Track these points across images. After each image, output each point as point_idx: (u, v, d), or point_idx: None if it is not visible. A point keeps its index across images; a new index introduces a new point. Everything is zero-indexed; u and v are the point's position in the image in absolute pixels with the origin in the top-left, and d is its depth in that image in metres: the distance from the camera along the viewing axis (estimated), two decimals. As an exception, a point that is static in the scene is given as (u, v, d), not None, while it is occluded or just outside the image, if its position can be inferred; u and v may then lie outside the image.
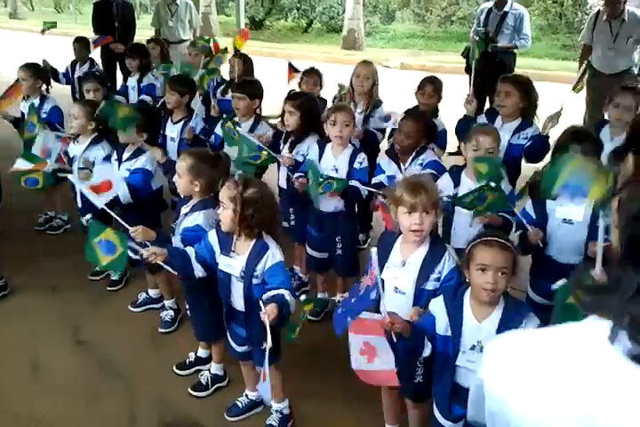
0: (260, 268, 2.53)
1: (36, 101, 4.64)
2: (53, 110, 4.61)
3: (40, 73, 4.79)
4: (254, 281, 2.54)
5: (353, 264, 3.64)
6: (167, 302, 3.81)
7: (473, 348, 2.17)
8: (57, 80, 5.85)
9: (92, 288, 4.13)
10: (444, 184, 3.09)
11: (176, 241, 2.96)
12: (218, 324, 3.01)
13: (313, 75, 4.85)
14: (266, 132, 4.09)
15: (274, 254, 2.53)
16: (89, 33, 7.07)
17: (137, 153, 3.59)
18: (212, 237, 2.68)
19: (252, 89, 4.18)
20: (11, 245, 4.03)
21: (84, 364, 3.41)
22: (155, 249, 2.59)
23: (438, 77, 4.43)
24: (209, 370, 3.22)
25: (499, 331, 2.12)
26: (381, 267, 2.47)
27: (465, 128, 3.83)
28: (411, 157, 3.46)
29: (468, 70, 6.78)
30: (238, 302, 2.67)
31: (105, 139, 3.94)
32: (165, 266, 2.66)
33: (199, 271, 2.70)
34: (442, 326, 2.23)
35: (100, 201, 2.98)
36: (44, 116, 4.49)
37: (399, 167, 3.47)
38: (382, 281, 2.46)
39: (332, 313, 3.66)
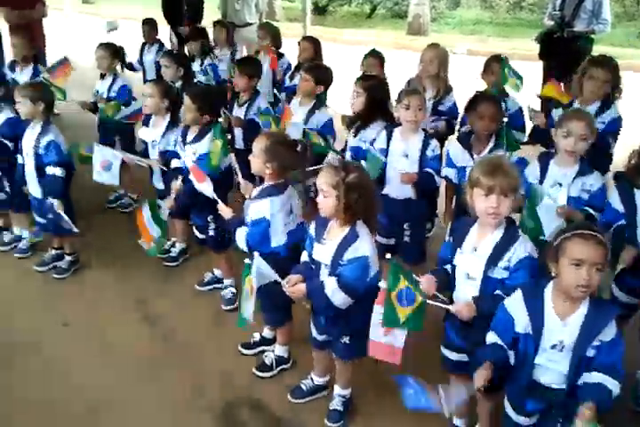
0: (346, 257, 2.46)
1: (109, 80, 4.73)
2: (123, 89, 4.69)
3: (117, 52, 4.89)
4: (338, 269, 2.49)
5: (420, 252, 3.57)
6: (227, 281, 3.85)
7: (554, 347, 2.08)
8: (131, 68, 5.94)
9: (159, 265, 4.21)
10: (530, 170, 2.98)
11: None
12: (287, 309, 3.05)
13: (374, 57, 4.78)
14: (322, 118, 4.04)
15: (359, 247, 2.45)
16: (158, 16, 7.14)
17: (201, 135, 3.57)
18: (311, 227, 2.65)
19: (319, 74, 4.13)
20: (82, 222, 4.14)
21: (150, 338, 3.49)
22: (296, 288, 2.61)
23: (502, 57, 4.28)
24: (273, 351, 3.23)
25: (583, 330, 2.03)
26: (455, 252, 2.45)
27: (541, 131, 3.73)
28: (489, 147, 3.32)
29: (541, 56, 6.55)
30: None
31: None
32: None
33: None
34: (522, 324, 2.13)
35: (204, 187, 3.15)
36: (112, 95, 4.57)
37: (472, 157, 3.32)
38: (454, 267, 2.42)
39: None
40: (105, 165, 3.88)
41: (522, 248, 2.31)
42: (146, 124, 4.12)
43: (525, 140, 5.62)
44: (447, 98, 4.14)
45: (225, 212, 3.07)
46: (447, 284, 2.49)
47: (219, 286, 3.92)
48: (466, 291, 2.41)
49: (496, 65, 4.12)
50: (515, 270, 2.30)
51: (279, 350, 3.21)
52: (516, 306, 2.15)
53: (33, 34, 6.35)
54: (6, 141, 4.05)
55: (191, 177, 3.29)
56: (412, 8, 14.89)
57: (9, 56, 7.29)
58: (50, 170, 3.75)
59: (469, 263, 2.40)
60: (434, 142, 3.37)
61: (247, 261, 2.53)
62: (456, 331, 2.52)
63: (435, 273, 2.50)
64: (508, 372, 2.17)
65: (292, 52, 5.59)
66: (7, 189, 4.19)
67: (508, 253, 2.31)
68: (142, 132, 4.04)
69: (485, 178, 2.28)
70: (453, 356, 2.58)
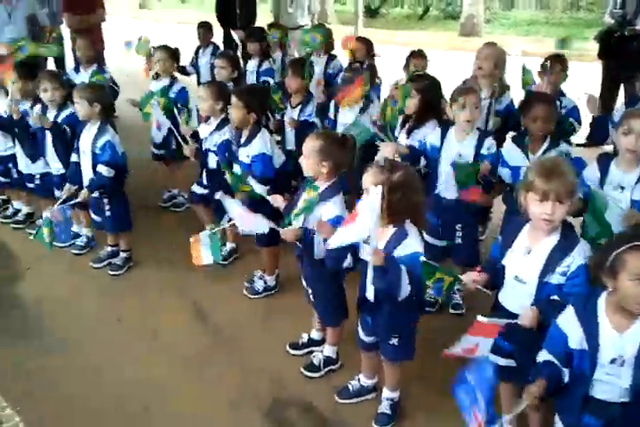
0: (396, 255, 2.41)
1: (166, 82, 4.82)
2: (182, 92, 4.77)
3: (175, 55, 4.98)
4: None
5: (473, 254, 3.49)
6: (268, 278, 3.88)
7: (613, 361, 1.97)
8: (184, 72, 6.04)
9: (210, 265, 4.25)
10: (589, 173, 2.88)
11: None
12: (342, 308, 3.04)
13: (419, 57, 4.72)
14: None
15: (409, 244, 2.41)
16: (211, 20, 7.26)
17: (251, 137, 3.59)
18: None
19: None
20: (135, 220, 4.24)
21: (201, 335, 3.53)
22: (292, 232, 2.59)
23: (563, 55, 4.17)
24: (322, 351, 3.22)
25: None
26: (504, 252, 2.38)
27: (601, 128, 3.60)
28: (543, 147, 3.22)
29: (601, 55, 6.35)
30: (370, 292, 2.62)
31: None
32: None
33: (348, 262, 2.67)
34: (576, 339, 2.03)
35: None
36: (172, 96, 4.65)
37: (527, 157, 3.22)
38: (503, 267, 2.36)
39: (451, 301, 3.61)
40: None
41: (582, 253, 2.22)
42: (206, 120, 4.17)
43: (583, 142, 5.51)
44: (504, 97, 4.04)
45: (277, 200, 3.03)
46: (494, 283, 2.43)
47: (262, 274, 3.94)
48: (515, 293, 2.35)
49: (555, 65, 4.01)
50: (573, 277, 2.21)
51: (328, 350, 3.19)
52: (568, 322, 2.06)
53: (93, 37, 6.54)
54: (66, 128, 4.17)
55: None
56: (466, 9, 14.73)
57: (70, 59, 7.62)
58: (99, 168, 3.84)
59: (521, 266, 2.33)
60: (489, 141, 3.30)
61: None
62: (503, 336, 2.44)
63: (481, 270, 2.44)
64: (560, 388, 2.09)
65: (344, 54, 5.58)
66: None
67: (567, 258, 2.22)
68: (200, 129, 4.10)
69: (541, 182, 2.19)
70: (502, 362, 2.51)
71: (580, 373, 2.04)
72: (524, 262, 2.31)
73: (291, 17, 8.27)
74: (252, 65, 5.75)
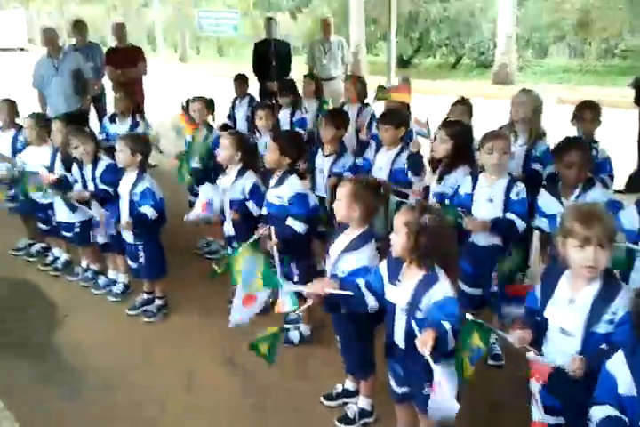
0: (425, 300, 2.36)
1: (204, 132, 4.94)
2: (217, 141, 4.86)
3: (211, 105, 5.13)
4: (418, 315, 2.38)
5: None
6: (304, 328, 3.86)
7: None
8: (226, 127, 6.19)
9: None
10: (625, 214, 2.81)
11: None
12: (370, 358, 2.96)
13: (461, 105, 4.75)
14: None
15: (443, 287, 2.35)
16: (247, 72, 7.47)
17: (283, 179, 3.62)
18: (383, 265, 2.58)
19: (394, 119, 4.16)
20: (170, 267, 4.28)
21: (234, 383, 3.49)
22: (321, 284, 2.55)
23: (596, 102, 4.15)
24: (356, 403, 3.13)
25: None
26: (545, 303, 2.30)
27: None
28: (576, 192, 3.18)
29: (637, 101, 6.30)
30: (399, 337, 2.53)
31: (250, 168, 4.02)
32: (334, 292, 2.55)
33: (372, 302, 2.58)
34: (625, 386, 1.93)
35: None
36: (210, 145, 4.76)
37: (561, 203, 3.18)
38: (546, 320, 2.27)
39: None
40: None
41: (625, 299, 2.14)
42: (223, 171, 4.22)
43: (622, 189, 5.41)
44: (540, 143, 4.02)
45: (316, 290, 2.66)
46: (537, 337, 2.34)
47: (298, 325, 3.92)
48: (561, 347, 2.26)
49: (587, 112, 3.99)
50: (621, 323, 2.13)
51: (362, 402, 3.11)
52: (617, 367, 1.96)
53: (134, 90, 6.81)
54: (107, 188, 4.25)
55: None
56: (499, 57, 14.88)
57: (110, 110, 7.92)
58: (145, 209, 3.90)
59: (565, 317, 2.24)
60: (520, 186, 3.26)
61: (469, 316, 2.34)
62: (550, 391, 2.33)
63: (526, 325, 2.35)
64: None
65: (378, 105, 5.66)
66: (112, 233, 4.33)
67: (612, 305, 2.15)
68: (221, 180, 4.13)
69: (580, 227, 2.14)
70: (552, 420, 2.39)
71: (631, 422, 1.93)
72: (568, 313, 2.23)
73: (324, 68, 8.49)
74: (284, 115, 5.86)
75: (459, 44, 18.61)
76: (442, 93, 12.87)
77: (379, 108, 5.47)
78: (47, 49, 6.91)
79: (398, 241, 2.39)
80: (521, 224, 3.19)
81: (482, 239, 3.32)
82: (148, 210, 3.90)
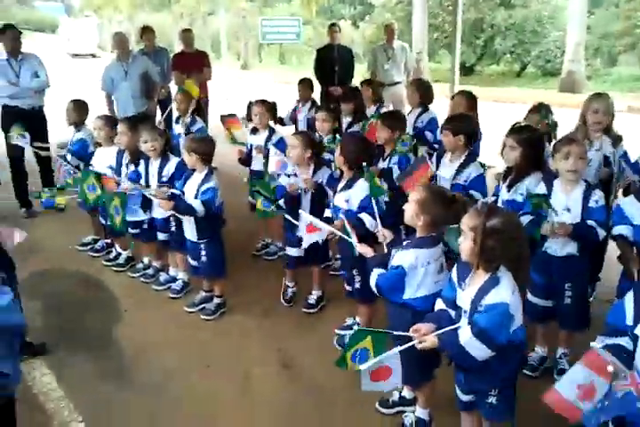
0: (483, 302, 2.28)
1: (266, 134, 4.96)
2: (281, 142, 4.86)
3: (273, 109, 5.15)
4: (474, 316, 2.30)
5: (583, 316, 3.24)
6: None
7: None
8: (282, 123, 6.21)
9: (299, 311, 4.23)
10: None
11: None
12: (427, 367, 2.86)
13: (534, 112, 4.59)
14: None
15: (499, 292, 2.26)
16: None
17: (350, 183, 3.56)
18: (454, 272, 2.51)
19: (456, 125, 3.96)
20: (229, 267, 4.30)
21: (289, 388, 3.44)
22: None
23: None
24: (413, 412, 3.04)
25: None
26: (638, 320, 2.14)
27: None
28: None
29: None
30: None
31: (324, 165, 4.09)
32: None
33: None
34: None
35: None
36: (270, 146, 4.77)
37: None
38: (637, 337, 2.12)
39: (553, 370, 3.36)
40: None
41: None
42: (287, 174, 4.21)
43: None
44: (618, 147, 3.84)
45: (365, 250, 3.02)
46: (625, 360, 2.13)
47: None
48: None
49: None
50: None
51: (420, 412, 3.01)
52: None
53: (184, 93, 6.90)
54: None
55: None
56: (566, 64, 14.48)
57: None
58: (194, 202, 3.94)
59: None
60: (598, 193, 3.10)
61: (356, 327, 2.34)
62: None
63: (607, 348, 2.19)
64: None
65: (438, 111, 5.55)
66: (173, 230, 4.42)
67: None
68: (285, 181, 4.13)
69: None
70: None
71: None
72: None
73: (387, 74, 8.44)
74: (344, 122, 5.80)
75: (524, 52, 18.23)
76: (508, 101, 12.62)
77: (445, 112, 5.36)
78: (117, 53, 7.12)
79: (466, 246, 2.32)
80: (601, 232, 3.03)
81: (556, 249, 3.18)
82: (196, 203, 3.92)
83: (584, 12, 14.50)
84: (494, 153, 4.05)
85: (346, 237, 3.17)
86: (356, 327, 2.31)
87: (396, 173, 4.21)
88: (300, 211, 3.26)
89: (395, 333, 2.40)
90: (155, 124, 4.85)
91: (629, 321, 2.18)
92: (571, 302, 3.22)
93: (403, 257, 2.72)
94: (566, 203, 3.14)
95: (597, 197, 3.09)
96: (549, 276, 3.21)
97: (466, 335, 2.26)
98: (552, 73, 17.26)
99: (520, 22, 18.14)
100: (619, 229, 3.05)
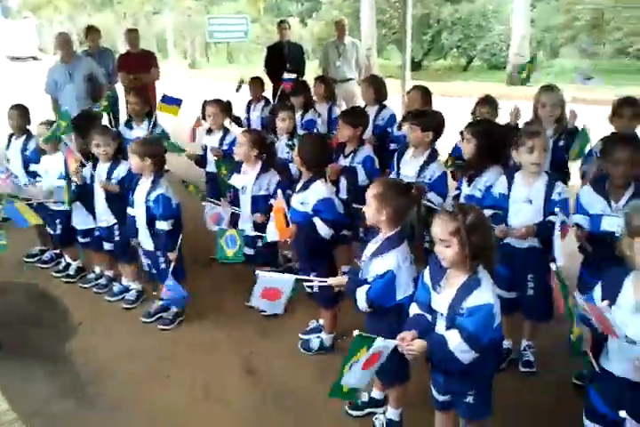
0: (465, 305, 2.23)
1: (220, 135, 4.83)
2: (236, 141, 4.75)
3: (227, 108, 5.01)
4: (457, 318, 2.25)
5: (546, 307, 3.23)
6: (325, 336, 3.73)
7: None
8: (239, 123, 6.08)
9: (260, 317, 4.12)
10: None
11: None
12: (404, 366, 2.80)
13: (486, 104, 4.60)
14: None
15: (482, 293, 2.23)
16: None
17: (307, 184, 3.48)
18: (426, 274, 2.46)
19: (426, 120, 3.96)
20: (187, 274, 4.17)
21: (255, 394, 3.35)
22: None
23: (634, 99, 3.99)
24: (384, 413, 2.99)
25: None
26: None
27: None
28: (628, 193, 2.97)
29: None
30: None
31: (271, 168, 4.01)
32: None
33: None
34: None
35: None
36: (225, 148, 4.66)
37: (609, 204, 3.00)
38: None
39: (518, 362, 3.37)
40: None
41: None
42: (237, 171, 4.13)
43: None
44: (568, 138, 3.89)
45: (339, 282, 2.89)
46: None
47: (319, 334, 3.78)
48: (623, 355, 2.12)
49: (627, 108, 3.85)
50: None
51: (391, 413, 2.97)
52: None
53: (147, 95, 6.70)
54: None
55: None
56: (512, 58, 14.76)
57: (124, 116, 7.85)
58: (158, 224, 3.83)
59: (631, 325, 2.09)
60: (560, 185, 3.11)
61: (356, 332, 2.24)
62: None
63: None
64: None
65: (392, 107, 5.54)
66: (117, 239, 4.31)
67: None
68: (234, 179, 4.06)
69: None
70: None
71: None
72: (635, 320, 2.08)
73: (339, 70, 8.39)
74: (296, 117, 5.72)
75: (470, 46, 18.49)
76: (456, 95, 12.76)
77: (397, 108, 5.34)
78: (60, 54, 6.84)
79: (451, 253, 2.23)
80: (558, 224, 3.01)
81: (520, 241, 3.16)
82: (160, 224, 3.83)
83: (528, 5, 14.80)
84: (443, 146, 4.11)
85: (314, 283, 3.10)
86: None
87: (360, 172, 4.15)
88: (257, 272, 2.91)
89: (387, 341, 2.28)
90: (107, 127, 4.64)
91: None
92: (534, 293, 3.23)
93: (386, 262, 2.65)
94: (528, 195, 3.13)
95: (560, 188, 3.10)
96: (512, 267, 3.21)
97: (454, 340, 2.21)
98: (497, 66, 17.56)
99: (466, 17, 18.39)
100: (576, 219, 3.07)
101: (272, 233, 3.32)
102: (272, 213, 3.31)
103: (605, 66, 16.06)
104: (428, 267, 2.44)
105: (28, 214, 4.23)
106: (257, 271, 2.91)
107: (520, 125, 4.12)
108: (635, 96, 4.11)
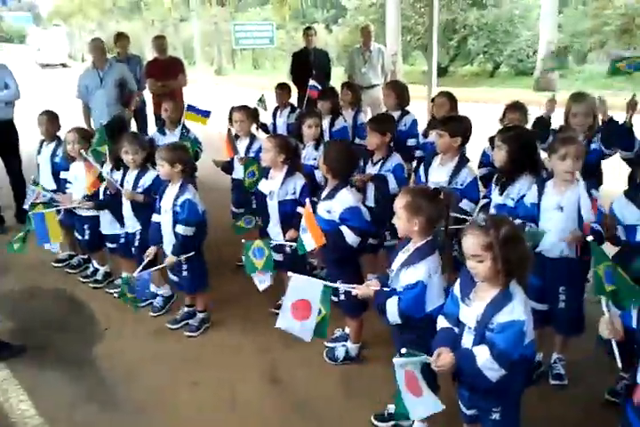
0: (496, 320, 2.18)
1: (247, 142, 4.83)
2: (260, 150, 4.75)
3: (254, 115, 5.01)
4: (487, 335, 2.20)
5: (578, 321, 3.16)
6: (350, 346, 3.69)
7: None
8: (265, 129, 6.08)
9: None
10: None
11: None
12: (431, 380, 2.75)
13: (515, 110, 4.53)
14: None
15: (514, 309, 2.17)
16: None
17: (333, 192, 3.45)
18: (457, 286, 2.41)
19: (454, 126, 3.88)
20: (212, 280, 4.16)
21: (278, 403, 3.33)
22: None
23: None
24: (411, 426, 2.94)
25: None
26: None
27: None
28: None
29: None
30: None
31: (297, 171, 3.97)
32: None
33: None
34: None
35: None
36: (252, 154, 4.66)
37: None
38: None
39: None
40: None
41: None
42: (265, 177, 4.11)
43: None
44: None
45: (366, 292, 2.81)
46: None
47: (345, 343, 3.75)
48: None
49: None
50: None
51: (418, 425, 2.91)
52: None
53: (175, 101, 6.76)
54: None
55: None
56: (540, 63, 14.59)
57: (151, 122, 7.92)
58: (178, 228, 3.82)
59: None
60: (594, 193, 3.01)
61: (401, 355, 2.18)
62: None
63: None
64: None
65: (416, 114, 5.51)
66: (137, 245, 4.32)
67: None
68: (261, 185, 4.05)
69: None
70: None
71: None
72: None
73: (364, 77, 8.37)
74: (324, 123, 5.71)
75: (497, 52, 18.35)
76: (482, 101, 12.66)
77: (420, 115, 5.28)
78: (93, 60, 6.92)
79: (484, 268, 2.17)
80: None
81: (551, 250, 3.09)
82: (180, 229, 3.82)
83: (555, 11, 14.64)
84: (471, 152, 4.05)
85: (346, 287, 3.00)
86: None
87: (391, 180, 4.10)
88: (289, 273, 2.86)
89: (426, 357, 2.22)
90: (136, 134, 4.66)
91: (634, 324, 2.15)
92: (565, 307, 3.16)
93: (416, 273, 2.60)
94: (559, 201, 3.06)
95: (596, 196, 3.01)
96: (543, 278, 3.13)
97: (483, 357, 2.16)
98: (524, 72, 17.39)
99: (492, 22, 18.27)
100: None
101: (309, 242, 3.22)
102: (303, 223, 3.25)
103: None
104: (459, 279, 2.39)
105: (54, 230, 4.24)
106: (289, 273, 2.86)
107: (552, 119, 4.09)
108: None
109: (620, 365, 2.12)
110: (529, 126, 4.27)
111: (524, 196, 3.23)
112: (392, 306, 2.63)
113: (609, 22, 16.19)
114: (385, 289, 2.71)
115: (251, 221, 4.11)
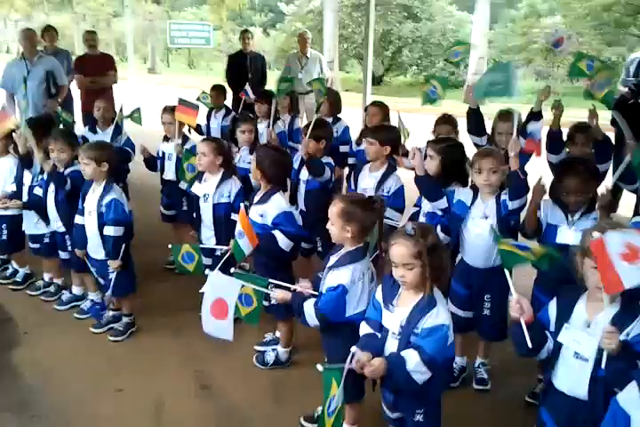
0: (421, 325, 2.23)
1: (179, 141, 4.74)
2: (194, 149, 4.67)
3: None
4: (412, 339, 2.25)
5: (501, 326, 3.26)
6: (280, 350, 3.67)
7: None
8: (199, 131, 5.98)
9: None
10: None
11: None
12: (357, 387, 2.76)
13: (445, 123, 4.67)
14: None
15: (438, 314, 2.24)
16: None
17: (266, 197, 3.44)
18: (379, 291, 2.45)
19: (384, 135, 3.99)
20: (139, 283, 4.06)
21: (206, 408, 3.27)
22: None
23: (586, 126, 4.11)
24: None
25: None
26: (559, 327, 2.20)
27: None
28: (581, 211, 3.05)
29: (613, 123, 6.34)
30: None
31: (233, 174, 3.97)
32: None
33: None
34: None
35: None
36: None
37: (566, 218, 3.06)
38: (559, 345, 2.17)
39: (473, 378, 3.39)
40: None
41: None
42: (199, 179, 4.06)
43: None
44: None
45: (283, 296, 2.80)
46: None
47: (275, 347, 3.74)
48: (572, 372, 2.17)
49: (580, 136, 3.98)
50: (636, 342, 2.05)
51: (346, 427, 2.93)
52: (631, 404, 1.84)
53: (108, 100, 6.56)
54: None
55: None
56: (470, 77, 15.14)
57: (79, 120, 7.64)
58: (107, 230, 3.71)
59: (579, 341, 2.14)
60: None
61: (320, 367, 2.22)
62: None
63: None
64: None
65: (349, 121, 5.61)
66: (70, 249, 4.16)
67: (627, 326, 2.06)
68: (195, 188, 4.00)
69: None
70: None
71: None
72: (584, 337, 2.13)
73: (300, 82, 8.40)
74: (261, 127, 5.68)
75: (430, 64, 18.86)
76: (415, 111, 12.94)
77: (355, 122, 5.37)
78: (23, 51, 6.68)
79: (414, 275, 2.24)
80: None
81: (476, 259, 3.20)
82: (108, 230, 3.70)
83: (486, 27, 15.21)
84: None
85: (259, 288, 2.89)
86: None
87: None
88: (206, 272, 2.83)
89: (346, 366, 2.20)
90: (64, 133, 4.47)
91: (552, 327, 2.26)
92: (490, 314, 3.26)
93: (339, 276, 2.62)
94: (484, 211, 3.18)
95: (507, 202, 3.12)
96: (470, 287, 3.23)
97: (413, 360, 2.20)
98: (456, 85, 17.93)
99: (425, 35, 18.77)
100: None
101: (247, 246, 3.19)
102: (239, 227, 3.21)
103: (558, 88, 16.59)
104: (380, 285, 2.44)
105: None
106: (207, 271, 2.82)
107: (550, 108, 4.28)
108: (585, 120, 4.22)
109: (530, 345, 2.18)
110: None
111: (454, 198, 3.32)
112: (309, 307, 2.65)
113: (535, 40, 16.98)
114: (314, 293, 2.71)
115: (191, 255, 3.91)
